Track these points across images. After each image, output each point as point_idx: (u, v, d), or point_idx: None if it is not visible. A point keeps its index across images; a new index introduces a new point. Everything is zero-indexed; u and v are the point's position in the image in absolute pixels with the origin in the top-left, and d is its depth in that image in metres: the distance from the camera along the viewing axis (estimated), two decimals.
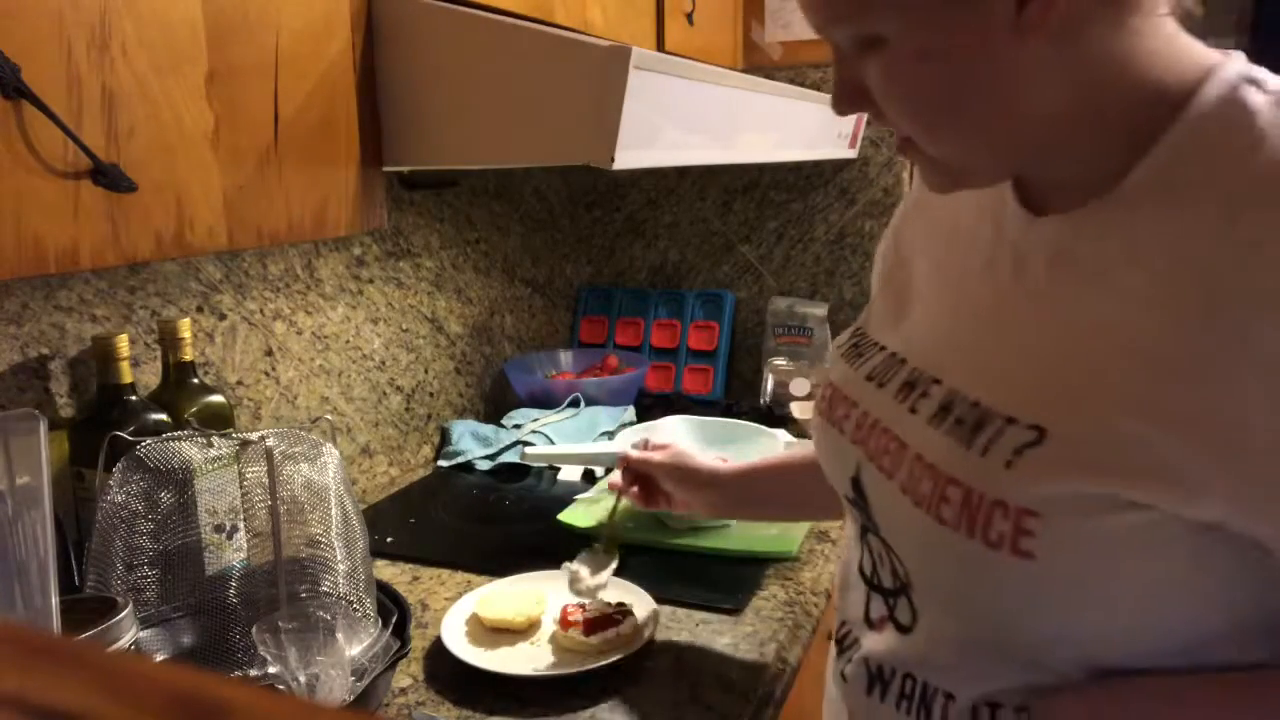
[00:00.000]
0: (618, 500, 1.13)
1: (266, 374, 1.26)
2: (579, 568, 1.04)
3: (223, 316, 1.19)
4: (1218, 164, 0.52)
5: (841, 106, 0.59)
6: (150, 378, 1.07)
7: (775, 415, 1.72)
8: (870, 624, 0.69)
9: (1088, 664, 0.56)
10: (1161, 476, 0.49)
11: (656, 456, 1.08)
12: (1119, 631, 0.54)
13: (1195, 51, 0.55)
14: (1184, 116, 0.53)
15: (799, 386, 1.74)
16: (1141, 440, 0.49)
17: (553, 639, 0.97)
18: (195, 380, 1.04)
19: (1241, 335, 0.47)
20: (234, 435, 0.88)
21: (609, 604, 0.98)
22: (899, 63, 0.54)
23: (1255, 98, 0.52)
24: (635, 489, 1.10)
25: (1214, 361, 0.48)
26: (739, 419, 1.49)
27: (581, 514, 1.29)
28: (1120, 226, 0.54)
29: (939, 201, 0.71)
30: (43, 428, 0.70)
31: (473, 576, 1.15)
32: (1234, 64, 0.54)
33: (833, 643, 0.75)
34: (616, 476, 1.13)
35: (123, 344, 0.95)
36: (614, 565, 1.07)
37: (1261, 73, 0.54)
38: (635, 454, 1.10)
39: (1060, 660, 0.57)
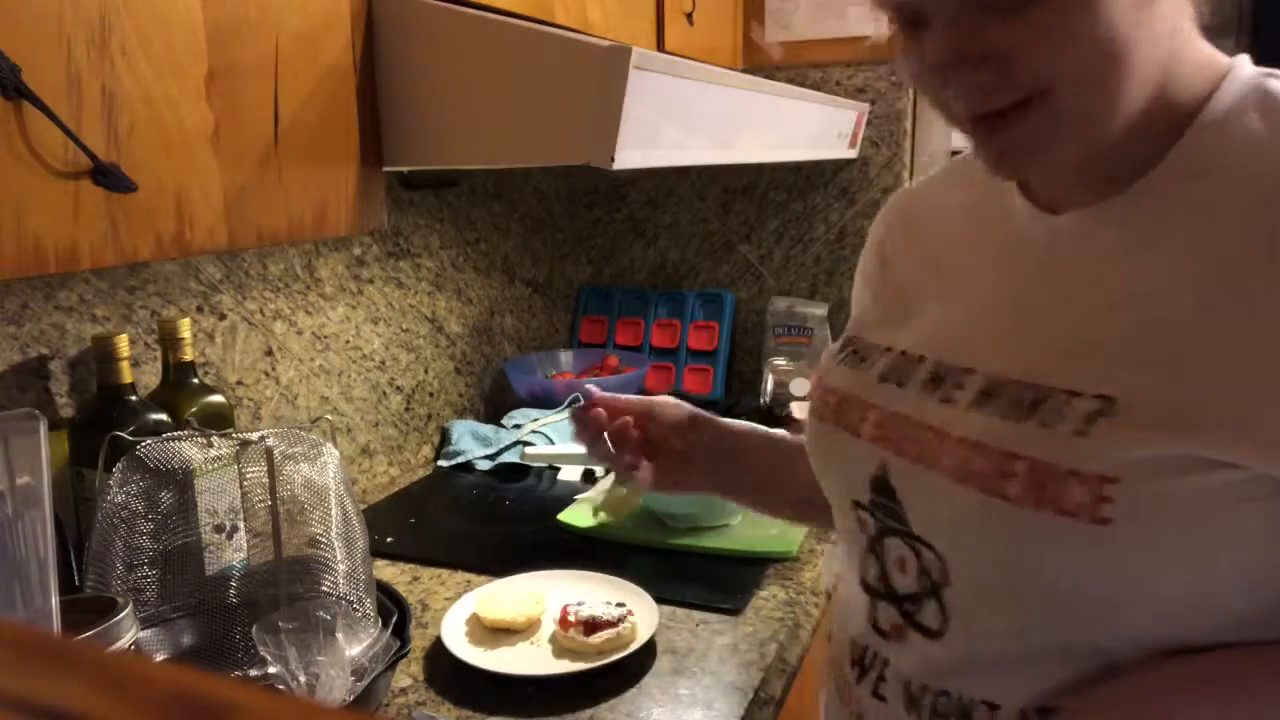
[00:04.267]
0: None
1: (266, 374, 1.26)
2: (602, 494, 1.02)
3: (223, 316, 1.19)
4: (1245, 149, 0.55)
5: (955, 70, 0.55)
6: (150, 378, 1.07)
7: (775, 415, 1.72)
8: (882, 634, 0.66)
9: (1150, 638, 0.56)
10: (1245, 433, 0.50)
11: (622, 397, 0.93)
12: (1188, 597, 0.54)
13: (1211, 51, 0.58)
14: (1210, 107, 0.56)
15: (799, 386, 1.74)
16: (1222, 398, 0.51)
17: (553, 639, 0.97)
18: (195, 380, 1.04)
19: None
20: (234, 435, 0.88)
21: (609, 604, 0.98)
22: (1065, 15, 0.52)
23: (1276, 85, 0.56)
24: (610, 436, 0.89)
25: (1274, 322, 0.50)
26: (739, 419, 1.48)
27: (581, 514, 1.29)
28: (1154, 210, 0.57)
29: (925, 215, 0.75)
30: (43, 428, 0.70)
31: (473, 576, 1.15)
32: (1248, 63, 0.58)
33: (849, 666, 0.70)
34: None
35: (123, 344, 0.95)
36: (636, 503, 1.06)
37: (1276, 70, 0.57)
38: (597, 393, 0.94)
39: (1123, 633, 0.56)
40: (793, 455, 0.84)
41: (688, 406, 0.93)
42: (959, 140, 0.70)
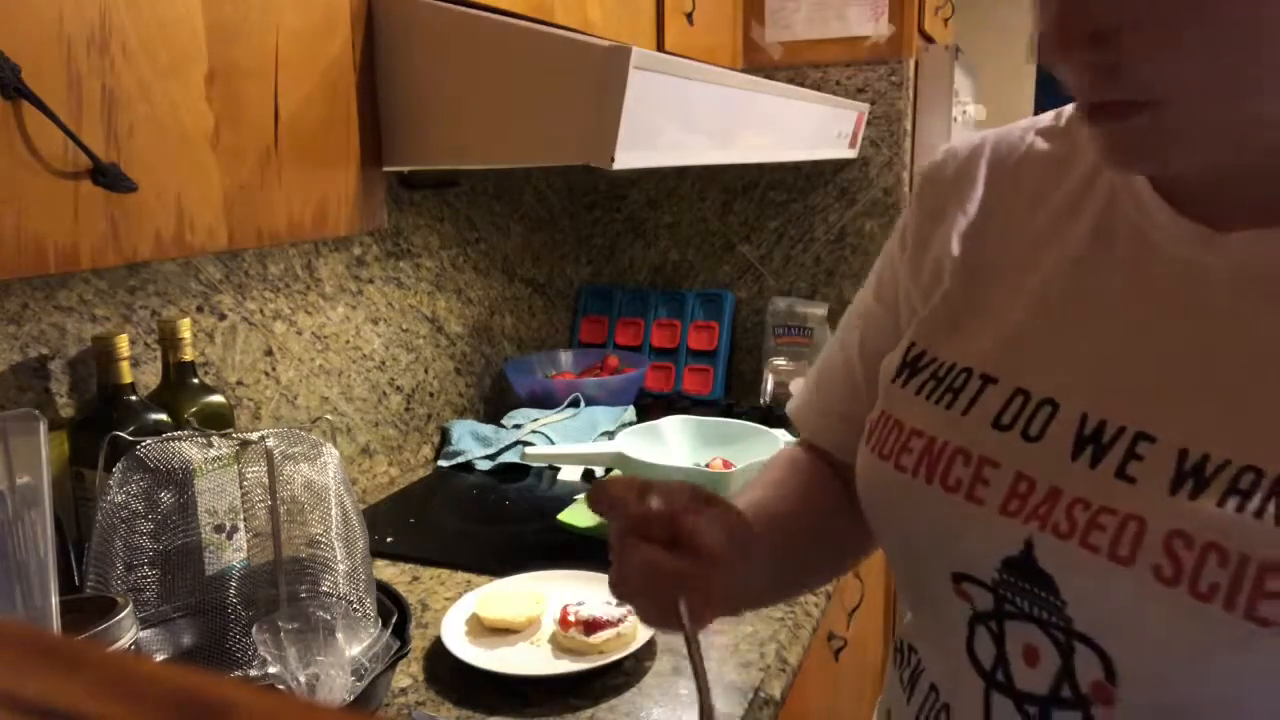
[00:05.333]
0: None
1: (266, 374, 1.26)
2: None
3: (223, 316, 1.19)
4: None
5: (1065, 51, 0.45)
6: (150, 378, 1.07)
7: (775, 415, 1.72)
8: None
9: None
10: None
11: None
12: None
13: None
14: None
15: (799, 386, 1.74)
16: None
17: (553, 639, 0.97)
18: (195, 380, 1.04)
19: None
20: (234, 435, 0.88)
21: (609, 604, 0.98)
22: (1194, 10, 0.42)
23: None
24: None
25: None
26: (739, 419, 1.49)
27: (581, 514, 1.29)
28: None
29: (1012, 184, 0.61)
30: (43, 428, 0.70)
31: (473, 576, 1.15)
32: None
33: None
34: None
35: (123, 344, 0.95)
36: None
37: None
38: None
39: None
40: (825, 514, 0.70)
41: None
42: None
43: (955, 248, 0.61)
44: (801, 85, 1.72)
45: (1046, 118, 0.63)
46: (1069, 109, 0.62)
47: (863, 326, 0.72)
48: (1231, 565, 0.44)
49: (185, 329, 1.02)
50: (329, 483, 0.88)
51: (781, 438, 1.34)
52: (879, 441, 0.60)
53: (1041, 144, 0.61)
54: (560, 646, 0.96)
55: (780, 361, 1.80)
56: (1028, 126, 0.63)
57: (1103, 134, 0.48)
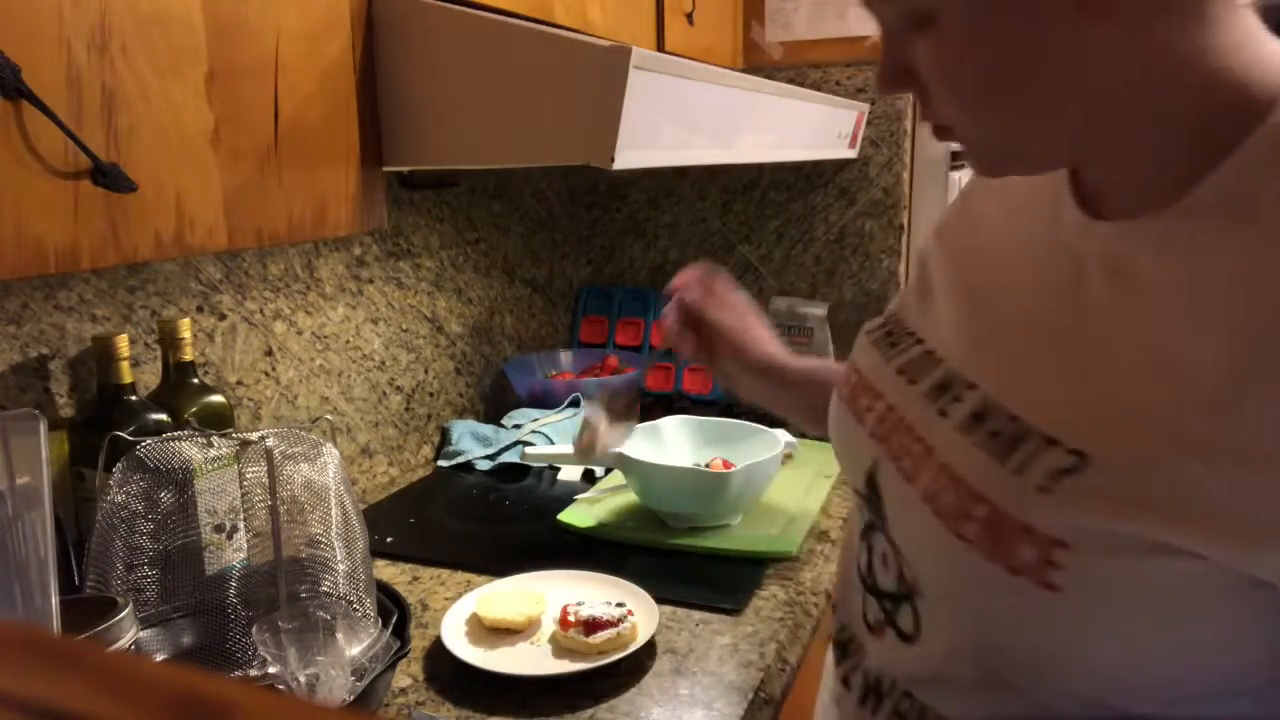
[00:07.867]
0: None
1: (266, 374, 1.26)
2: (597, 417, 1.01)
3: (223, 316, 1.19)
4: None
5: (885, 86, 0.55)
6: (150, 378, 1.07)
7: (775, 415, 1.72)
8: (870, 628, 0.65)
9: (1094, 704, 0.52)
10: (1215, 523, 0.44)
11: (720, 317, 0.95)
12: (1140, 679, 0.51)
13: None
14: (1268, 123, 0.46)
15: None
16: (1197, 481, 0.44)
17: (553, 639, 0.97)
18: (195, 380, 1.04)
19: None
20: (234, 435, 0.88)
21: (609, 604, 0.98)
22: (948, 43, 0.49)
23: None
24: (685, 332, 0.96)
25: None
26: (739, 419, 1.49)
27: (581, 514, 1.29)
28: (1184, 243, 0.48)
29: (990, 193, 0.67)
30: (43, 428, 0.70)
31: (473, 576, 1.15)
32: None
33: (832, 645, 0.73)
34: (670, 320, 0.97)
35: (123, 344, 0.95)
36: (632, 429, 1.06)
37: None
38: (691, 301, 0.95)
39: (1065, 696, 0.53)
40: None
41: (769, 357, 0.95)
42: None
43: (956, 224, 0.71)
44: (801, 85, 1.72)
45: None
46: None
47: None
48: (974, 506, 0.52)
49: (185, 329, 1.02)
50: (329, 483, 0.88)
51: (782, 438, 1.34)
52: (842, 384, 0.72)
53: None
54: (560, 647, 0.96)
55: None
56: None
57: (958, 145, 0.56)
